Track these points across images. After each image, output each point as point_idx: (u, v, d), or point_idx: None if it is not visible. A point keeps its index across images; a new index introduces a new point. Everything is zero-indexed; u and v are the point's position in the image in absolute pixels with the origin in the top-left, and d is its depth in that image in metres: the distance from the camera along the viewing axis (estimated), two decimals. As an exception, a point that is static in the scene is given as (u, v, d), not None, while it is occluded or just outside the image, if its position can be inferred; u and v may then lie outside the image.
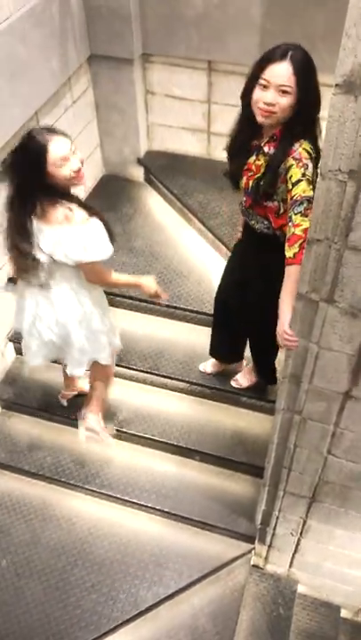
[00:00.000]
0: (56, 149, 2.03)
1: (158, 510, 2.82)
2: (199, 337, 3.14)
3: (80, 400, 3.05)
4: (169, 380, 3.05)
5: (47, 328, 2.41)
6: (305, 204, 1.81)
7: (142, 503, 2.84)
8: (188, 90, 3.47)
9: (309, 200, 1.80)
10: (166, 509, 2.81)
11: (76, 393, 3.03)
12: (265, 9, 2.99)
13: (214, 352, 2.87)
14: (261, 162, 2.02)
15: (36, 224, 2.14)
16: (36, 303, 2.38)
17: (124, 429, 2.98)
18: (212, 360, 2.98)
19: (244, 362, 2.93)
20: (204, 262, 3.36)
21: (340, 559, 2.48)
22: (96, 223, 2.16)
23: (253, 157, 2.05)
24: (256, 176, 2.04)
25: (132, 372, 3.09)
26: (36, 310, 2.39)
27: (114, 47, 3.25)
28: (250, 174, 2.07)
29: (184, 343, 3.13)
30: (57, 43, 2.96)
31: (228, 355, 2.88)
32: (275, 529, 2.48)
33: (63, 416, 3.05)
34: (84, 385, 3.04)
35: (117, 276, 2.37)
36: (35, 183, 2.08)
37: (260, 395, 2.92)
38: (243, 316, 2.51)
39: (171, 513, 2.81)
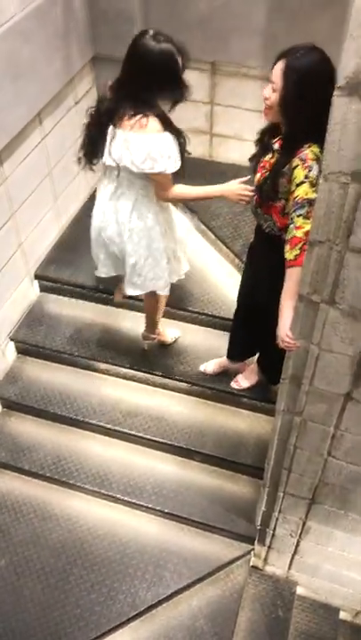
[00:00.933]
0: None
1: (158, 511, 2.83)
2: (200, 337, 3.15)
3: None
4: (170, 381, 3.05)
5: (109, 239, 2.48)
6: (306, 207, 1.81)
7: (142, 504, 2.84)
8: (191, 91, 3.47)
9: (311, 202, 1.80)
10: (166, 510, 2.81)
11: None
12: (268, 12, 3.00)
13: (230, 352, 2.86)
14: (274, 159, 2.03)
15: (112, 130, 2.23)
16: (103, 213, 2.45)
17: (125, 430, 2.98)
18: (214, 360, 2.98)
19: (247, 362, 2.93)
20: (207, 263, 3.36)
21: (340, 561, 2.48)
22: (168, 137, 2.22)
23: (270, 155, 2.06)
24: (267, 174, 2.05)
25: (132, 371, 3.10)
26: (103, 220, 2.46)
27: (118, 48, 3.24)
28: (263, 171, 2.08)
29: (185, 344, 3.14)
30: (61, 43, 2.97)
31: (241, 356, 2.88)
32: (274, 530, 2.48)
33: (64, 415, 3.05)
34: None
35: (188, 190, 2.38)
36: (152, 84, 2.18)
37: (261, 396, 2.92)
38: (254, 316, 2.51)
39: (171, 514, 2.81)
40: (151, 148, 2.19)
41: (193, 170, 3.65)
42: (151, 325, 2.95)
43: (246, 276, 2.57)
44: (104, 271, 2.67)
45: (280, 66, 1.83)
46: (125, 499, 2.86)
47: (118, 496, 2.87)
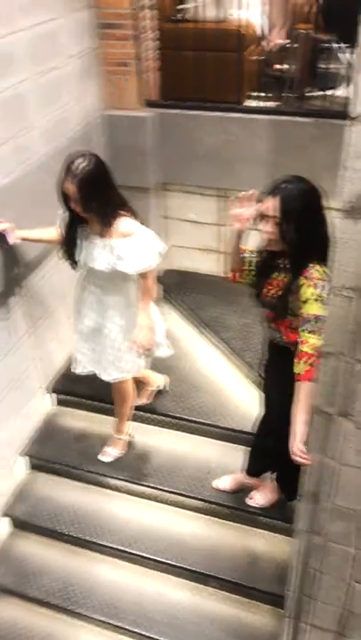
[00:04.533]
0: None
1: (171, 645, 2.60)
2: (213, 451, 3.08)
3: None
4: (181, 497, 2.93)
5: None
6: (313, 322, 1.87)
7: (153, 636, 2.62)
8: (200, 214, 3.73)
9: (318, 318, 1.86)
10: (180, 644, 2.59)
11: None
12: (272, 144, 3.30)
13: (250, 468, 2.78)
14: (286, 279, 2.11)
15: None
16: None
17: (136, 552, 2.82)
18: (228, 476, 2.89)
19: (262, 478, 2.83)
20: (219, 375, 3.38)
21: None
22: None
23: (277, 273, 2.15)
24: (279, 292, 2.13)
25: (143, 488, 3.00)
26: None
27: (132, 178, 3.54)
28: (270, 288, 2.16)
29: (198, 458, 3.06)
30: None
31: (261, 471, 2.79)
32: (299, 670, 2.24)
33: (74, 536, 2.91)
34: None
35: None
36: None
37: (279, 514, 2.78)
38: (273, 429, 2.48)
39: (184, 649, 2.58)
40: None
41: (204, 285, 3.82)
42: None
43: (264, 390, 2.57)
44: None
45: (277, 201, 1.97)
46: (136, 630, 2.64)
47: (128, 627, 2.65)
